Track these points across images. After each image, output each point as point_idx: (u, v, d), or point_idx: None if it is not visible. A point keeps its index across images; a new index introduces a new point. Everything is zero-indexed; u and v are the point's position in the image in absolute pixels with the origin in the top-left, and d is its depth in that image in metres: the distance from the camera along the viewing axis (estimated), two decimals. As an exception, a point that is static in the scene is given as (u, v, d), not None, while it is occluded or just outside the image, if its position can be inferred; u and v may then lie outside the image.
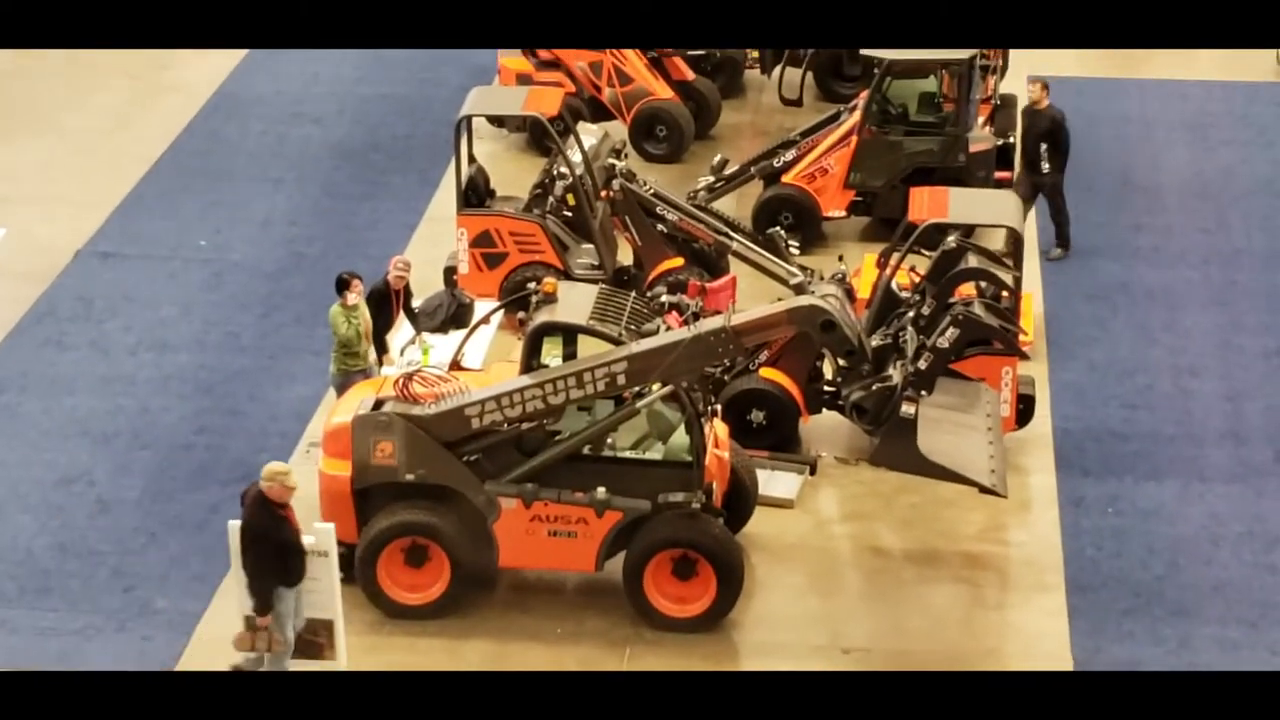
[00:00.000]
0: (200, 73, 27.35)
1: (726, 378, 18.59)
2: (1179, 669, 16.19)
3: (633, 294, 17.75)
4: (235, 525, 15.35)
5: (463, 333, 18.61)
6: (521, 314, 17.95)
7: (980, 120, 23.43)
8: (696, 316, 17.47)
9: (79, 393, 19.94)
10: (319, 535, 15.53)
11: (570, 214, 21.26)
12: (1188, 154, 25.69)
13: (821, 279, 18.84)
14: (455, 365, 17.63)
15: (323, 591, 15.60)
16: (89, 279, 22.12)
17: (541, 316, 16.86)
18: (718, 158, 22.91)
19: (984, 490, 17.26)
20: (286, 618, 15.34)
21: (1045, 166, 22.40)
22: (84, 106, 26.44)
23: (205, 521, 17.99)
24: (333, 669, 15.56)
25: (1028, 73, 27.02)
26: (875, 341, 18.10)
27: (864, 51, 23.21)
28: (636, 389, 16.41)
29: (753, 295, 20.18)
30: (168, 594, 17.01)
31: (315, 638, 15.64)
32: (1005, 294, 18.53)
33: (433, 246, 22.26)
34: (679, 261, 20.92)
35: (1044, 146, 22.37)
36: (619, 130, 24.34)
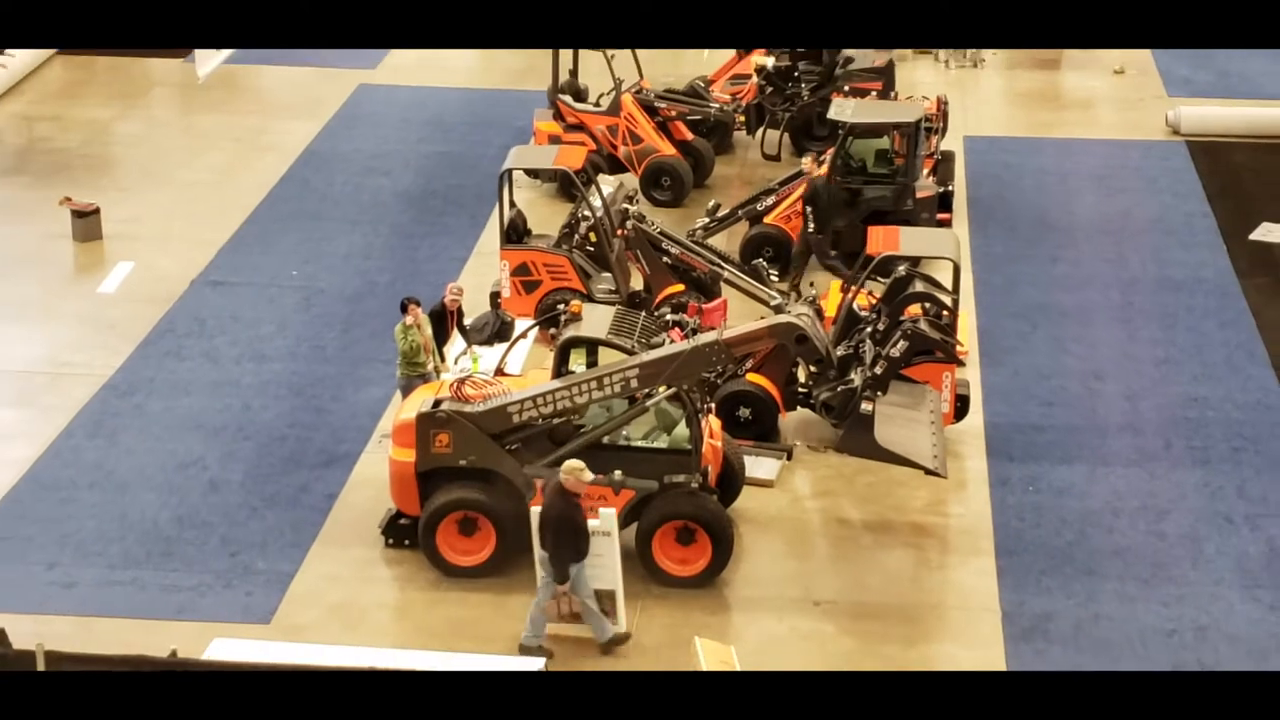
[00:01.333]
0: (292, 136, 27.35)
1: (719, 381, 18.59)
2: (1087, 618, 16.20)
3: (643, 314, 17.74)
4: (535, 510, 15.45)
5: (505, 345, 18.63)
6: (553, 330, 17.98)
7: (925, 172, 23.40)
8: (695, 332, 17.50)
9: (194, 394, 19.95)
10: (603, 519, 15.52)
11: (592, 249, 21.25)
12: (1093, 199, 25.61)
13: (796, 301, 18.87)
14: (499, 372, 17.64)
15: (606, 566, 15.56)
16: (201, 303, 22.13)
17: (569, 332, 16.86)
18: (712, 203, 22.93)
19: (928, 472, 17.28)
20: (582, 584, 15.40)
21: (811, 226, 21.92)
22: (197, 164, 26.45)
23: (297, 498, 18.00)
24: (615, 631, 15.47)
25: (964, 133, 27.16)
26: (840, 352, 18.13)
27: (830, 116, 23.22)
28: (646, 390, 16.42)
29: (740, 314, 20.18)
30: (266, 558, 17.01)
31: (600, 605, 15.61)
32: (945, 313, 18.53)
33: (480, 275, 22.26)
34: (681, 287, 20.91)
35: (810, 210, 21.86)
36: (632, 180, 24.34)
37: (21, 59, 29.29)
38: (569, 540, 15.29)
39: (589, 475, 15.37)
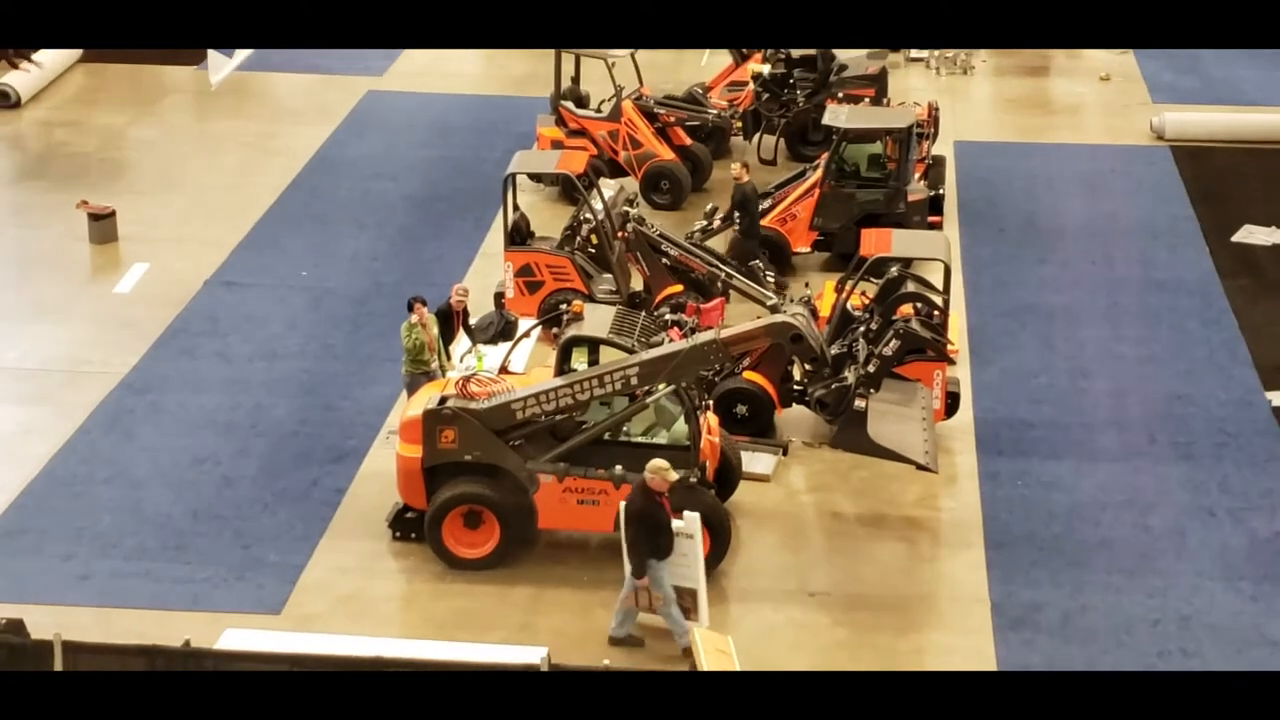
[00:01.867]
0: (302, 141, 27.34)
1: (717, 379, 18.59)
2: (1075, 609, 16.20)
3: (643, 313, 17.76)
4: (623, 505, 15.33)
5: (509, 344, 18.62)
6: (555, 329, 17.98)
7: (917, 176, 23.39)
8: (693, 331, 17.50)
9: (207, 392, 19.95)
10: (688, 521, 15.36)
11: (594, 250, 21.25)
12: (1080, 202, 25.59)
13: (791, 301, 18.87)
14: (503, 370, 17.64)
15: (689, 565, 15.39)
16: (214, 303, 22.12)
17: (571, 331, 16.88)
18: (710, 206, 22.90)
19: (920, 467, 17.30)
20: (662, 579, 15.24)
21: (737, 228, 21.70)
22: (209, 169, 26.46)
23: (307, 493, 18.00)
24: (696, 629, 15.24)
25: (954, 138, 27.15)
26: (834, 350, 18.12)
27: (824, 121, 23.24)
28: (646, 388, 16.42)
29: (737, 314, 20.17)
30: (277, 550, 17.01)
31: (681, 602, 15.45)
32: (936, 312, 18.52)
33: (485, 276, 22.25)
34: (679, 288, 20.90)
35: (737, 214, 21.66)
36: (632, 184, 24.33)
37: (50, 64, 29.30)
38: (648, 537, 15.10)
39: (673, 475, 15.15)
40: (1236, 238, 24.15)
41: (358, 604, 16.18)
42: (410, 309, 18.31)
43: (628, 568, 15.34)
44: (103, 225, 23.71)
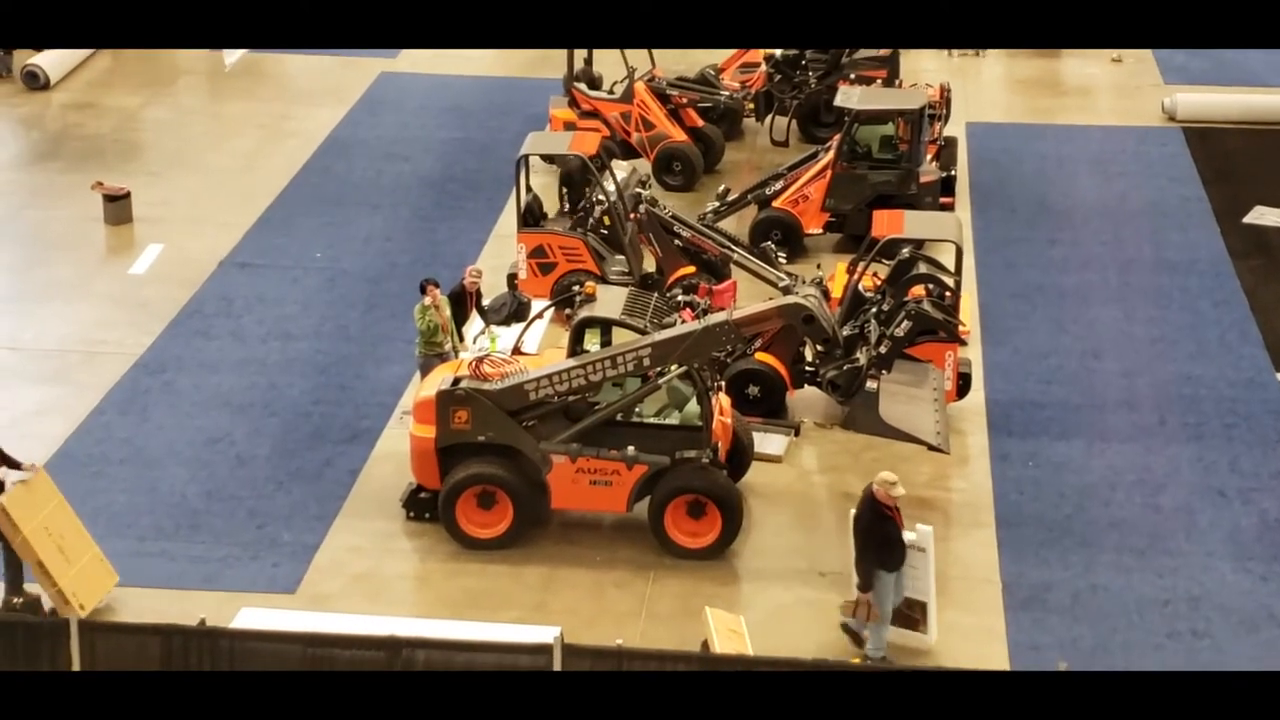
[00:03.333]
0: (315, 123, 27.32)
1: (729, 360, 18.56)
2: (1085, 589, 16.17)
3: (655, 295, 17.72)
4: (851, 515, 15.04)
5: (522, 325, 18.60)
6: (568, 310, 17.95)
7: (929, 157, 23.31)
8: (706, 312, 17.47)
9: (222, 372, 19.95)
10: (920, 535, 15.11)
11: (606, 232, 21.21)
12: (1091, 183, 25.52)
13: (803, 282, 18.82)
14: (516, 351, 17.62)
15: (920, 578, 15.15)
16: (229, 284, 22.12)
17: (584, 312, 16.84)
18: (722, 187, 22.86)
19: (931, 448, 17.27)
20: (885, 596, 14.85)
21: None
22: (224, 150, 26.45)
23: (321, 473, 18.01)
24: (923, 644, 15.05)
25: (966, 120, 27.05)
26: (846, 331, 18.08)
27: (836, 103, 23.17)
28: (658, 369, 16.40)
29: (749, 295, 20.13)
30: (292, 530, 17.03)
31: (911, 613, 15.25)
32: (948, 294, 18.46)
33: (498, 258, 22.23)
34: (692, 269, 20.85)
35: (563, 190, 21.47)
36: (644, 166, 24.28)
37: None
38: (874, 549, 14.71)
39: (900, 490, 14.61)
40: (1248, 219, 24.06)
41: (372, 583, 16.19)
42: (423, 291, 18.29)
43: (854, 579, 14.94)
44: (118, 206, 23.72)
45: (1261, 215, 24.15)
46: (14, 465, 15.53)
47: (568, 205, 21.76)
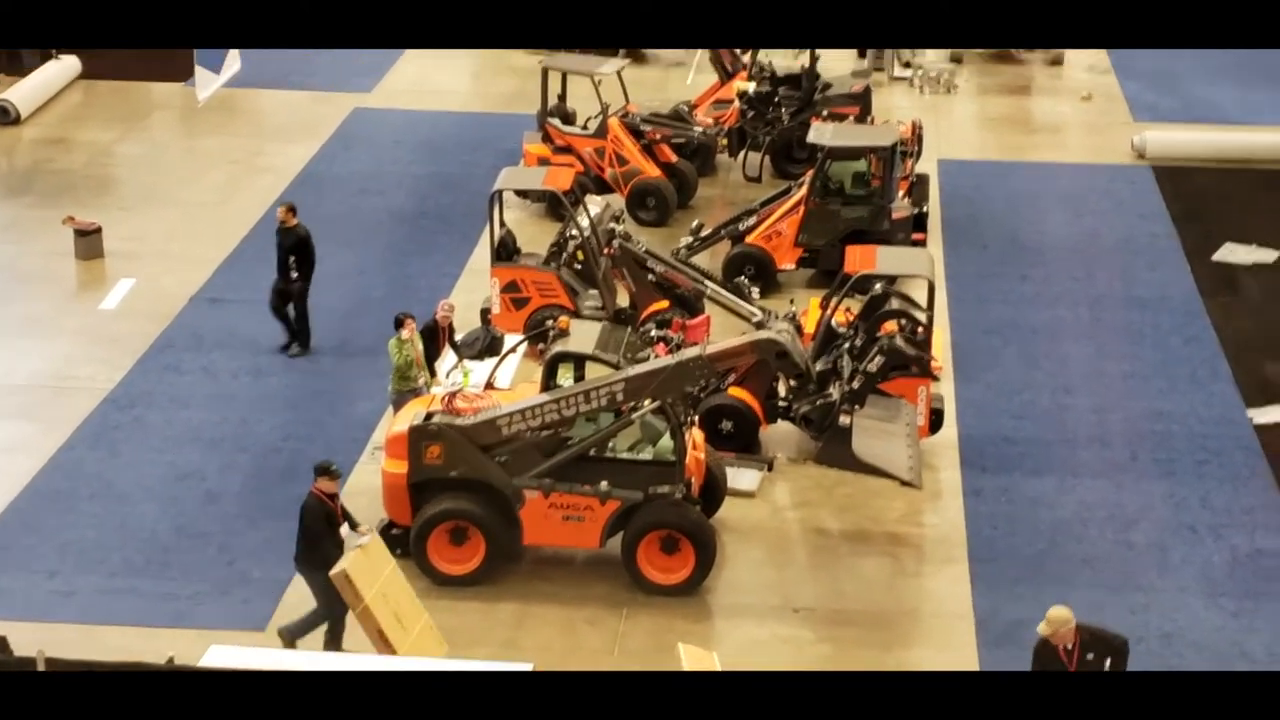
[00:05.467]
0: (288, 158, 27.27)
1: (702, 395, 18.53)
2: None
3: (629, 329, 17.71)
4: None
5: (495, 360, 18.56)
6: (541, 345, 17.92)
7: (900, 193, 23.38)
8: (679, 347, 17.46)
9: (192, 407, 19.85)
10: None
11: (579, 267, 21.20)
12: (1062, 220, 25.62)
13: (776, 317, 18.83)
14: (489, 386, 17.57)
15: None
16: (200, 318, 22.02)
17: (557, 347, 16.82)
18: (695, 222, 22.90)
19: (904, 483, 17.30)
20: None
21: (294, 275, 20.77)
22: (196, 185, 26.37)
23: (292, 508, 17.64)
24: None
25: (938, 156, 27.13)
26: (819, 366, 18.10)
27: (809, 139, 23.24)
28: (632, 404, 16.36)
29: (723, 330, 20.12)
30: (262, 566, 16.90)
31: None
32: (920, 329, 18.51)
33: (471, 292, 22.19)
34: (665, 304, 20.86)
35: (293, 259, 20.72)
36: (618, 201, 24.25)
37: (49, 81, 29.25)
38: None
39: (1067, 625, 13.21)
40: (1217, 256, 24.17)
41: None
42: (399, 325, 18.23)
43: None
44: (89, 241, 23.61)
45: (1231, 252, 24.26)
46: (353, 525, 15.23)
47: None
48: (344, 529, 15.24)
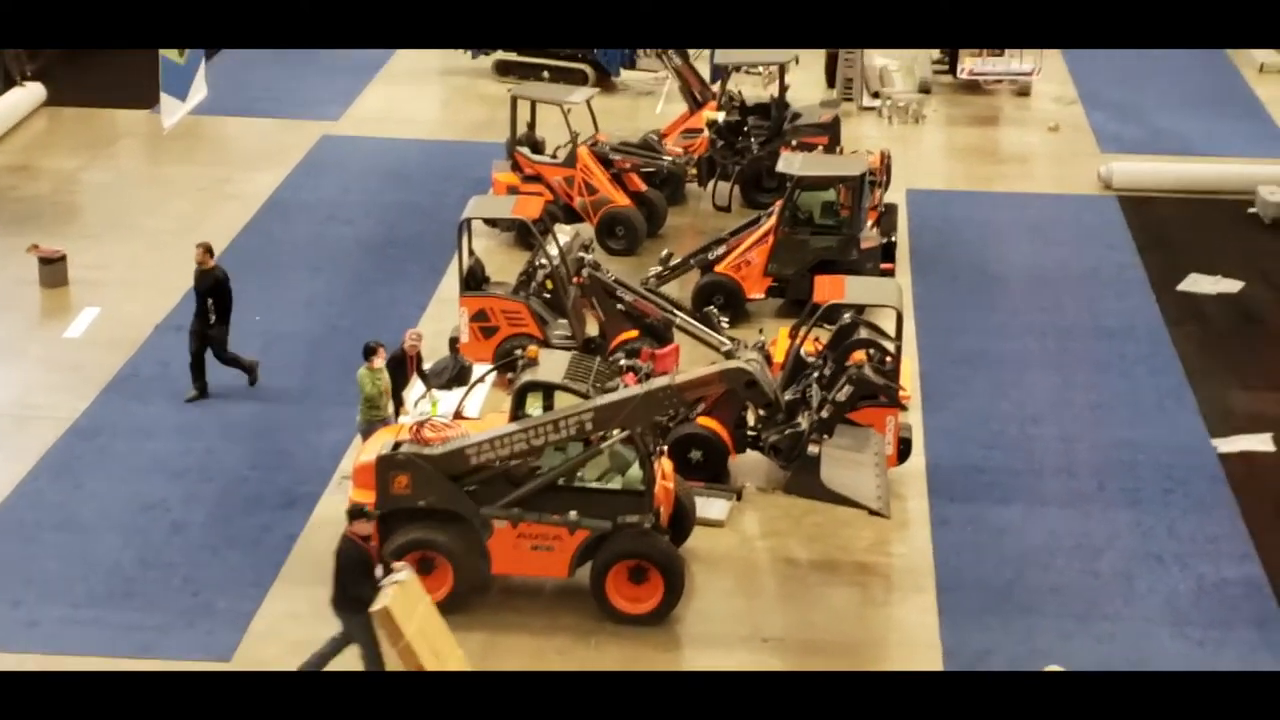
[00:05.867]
0: (256, 185, 27.24)
1: (671, 424, 18.56)
2: (1025, 654, 16.20)
3: (598, 359, 17.73)
4: None
5: (463, 389, 18.56)
6: (510, 375, 17.92)
7: (870, 223, 23.49)
8: (648, 377, 17.48)
9: (157, 437, 19.77)
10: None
11: (549, 296, 21.24)
12: (1030, 250, 25.76)
13: (745, 347, 18.87)
14: (458, 415, 17.56)
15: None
16: (166, 347, 21.92)
17: (526, 376, 16.82)
18: (665, 252, 22.96)
19: (872, 512, 17.32)
20: None
21: (213, 319, 20.28)
22: (162, 212, 26.31)
23: (258, 539, 17.85)
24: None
25: (907, 186, 27.27)
26: (788, 396, 18.15)
27: (778, 169, 23.34)
28: (601, 434, 16.37)
29: (692, 360, 20.17)
30: (227, 597, 16.85)
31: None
32: (889, 359, 18.58)
33: (440, 321, 22.19)
34: (634, 333, 20.88)
35: (210, 301, 20.23)
36: (587, 230, 24.32)
37: (12, 109, 29.17)
38: None
39: None
40: (1183, 286, 24.34)
41: (309, 651, 15.98)
42: (369, 354, 18.20)
43: None
44: (53, 269, 23.53)
45: (1196, 283, 24.44)
46: (387, 569, 15.14)
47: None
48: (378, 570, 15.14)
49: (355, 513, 15.20)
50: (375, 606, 14.62)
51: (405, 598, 14.78)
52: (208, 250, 20.47)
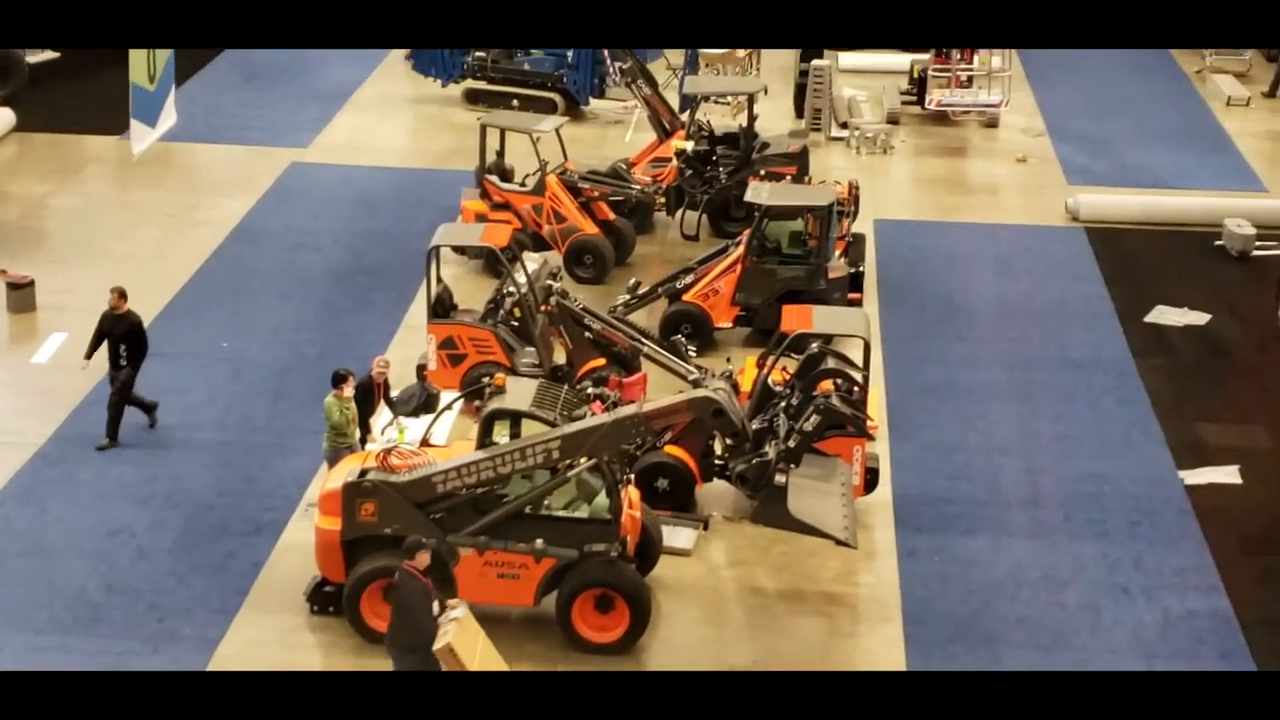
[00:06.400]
0: (224, 212, 27.23)
1: (638, 453, 18.58)
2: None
3: (565, 387, 17.76)
4: None
5: (431, 417, 18.57)
6: (477, 402, 17.94)
7: (837, 253, 23.60)
8: (615, 405, 17.51)
9: (124, 463, 19.72)
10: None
11: (517, 324, 21.26)
12: (997, 281, 25.91)
13: (713, 376, 18.93)
14: (425, 443, 17.57)
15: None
16: (133, 373, 21.91)
17: (493, 404, 16.84)
18: (632, 280, 23.01)
19: (839, 543, 17.33)
20: None
21: (123, 363, 19.94)
22: (131, 237, 26.28)
23: (224, 565, 17.80)
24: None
25: (874, 216, 27.40)
26: (755, 425, 18.18)
27: (746, 198, 23.45)
28: (567, 462, 16.40)
29: (659, 388, 20.22)
30: (192, 624, 16.81)
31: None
32: (856, 388, 18.64)
33: (408, 349, 22.20)
34: (602, 361, 20.93)
35: (123, 347, 19.89)
36: (555, 258, 24.38)
37: None
38: None
39: None
40: (1149, 318, 24.51)
41: (274, 678, 15.98)
42: (337, 383, 18.18)
43: None
44: (21, 294, 23.47)
45: (1163, 315, 24.61)
46: (443, 606, 15.09)
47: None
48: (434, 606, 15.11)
49: (413, 545, 15.14)
50: (438, 644, 14.59)
51: (464, 634, 14.79)
52: (122, 294, 20.03)
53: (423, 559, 15.05)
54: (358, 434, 18.44)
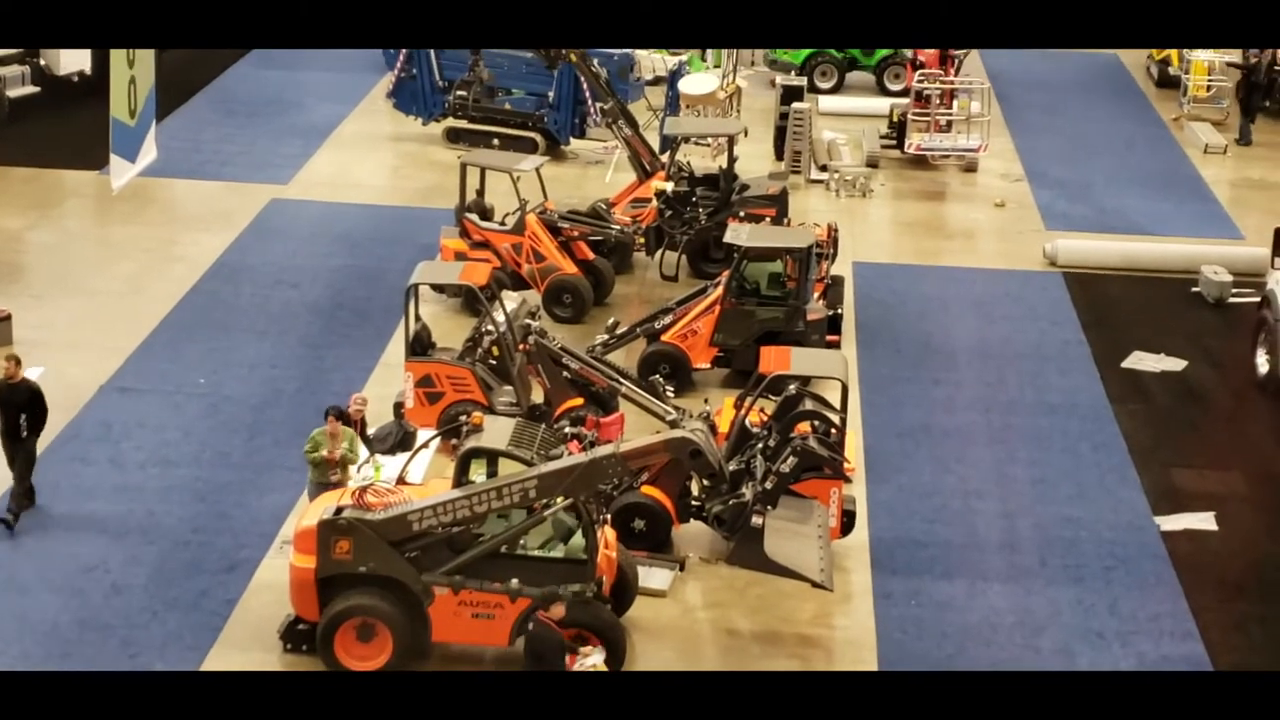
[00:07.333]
0: (203, 248, 27.24)
1: (615, 493, 18.61)
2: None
3: (543, 426, 17.79)
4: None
5: (407, 455, 18.56)
6: (454, 441, 17.96)
7: (815, 295, 23.70)
8: (593, 445, 17.55)
9: (98, 499, 19.68)
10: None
11: (494, 362, 21.30)
12: (975, 325, 26.02)
13: (691, 416, 19.00)
14: (401, 481, 17.56)
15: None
16: (109, 408, 21.88)
17: (470, 443, 16.87)
18: (611, 320, 23.07)
19: (815, 585, 17.37)
20: None
21: (25, 433, 19.20)
22: (108, 274, 26.27)
23: (197, 602, 17.76)
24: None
25: (853, 259, 27.53)
26: (732, 466, 18.23)
27: (725, 240, 23.55)
28: (544, 501, 16.42)
29: (637, 428, 20.26)
30: (165, 660, 16.75)
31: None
32: (833, 431, 18.71)
33: (385, 386, 22.19)
34: (580, 401, 20.97)
35: (24, 416, 19.14)
36: (534, 297, 24.44)
37: None
38: None
39: None
40: (1126, 364, 24.63)
41: (246, 717, 15.93)
42: (342, 418, 18.26)
43: None
44: (-3, 328, 23.42)
45: (1140, 360, 24.74)
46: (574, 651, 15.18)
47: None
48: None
49: (550, 596, 15.15)
50: None
51: None
52: (17, 361, 19.28)
53: (557, 610, 15.03)
54: (337, 473, 18.39)
